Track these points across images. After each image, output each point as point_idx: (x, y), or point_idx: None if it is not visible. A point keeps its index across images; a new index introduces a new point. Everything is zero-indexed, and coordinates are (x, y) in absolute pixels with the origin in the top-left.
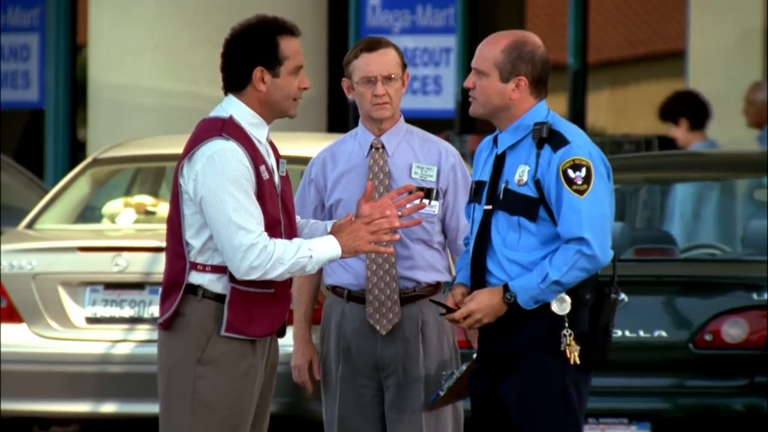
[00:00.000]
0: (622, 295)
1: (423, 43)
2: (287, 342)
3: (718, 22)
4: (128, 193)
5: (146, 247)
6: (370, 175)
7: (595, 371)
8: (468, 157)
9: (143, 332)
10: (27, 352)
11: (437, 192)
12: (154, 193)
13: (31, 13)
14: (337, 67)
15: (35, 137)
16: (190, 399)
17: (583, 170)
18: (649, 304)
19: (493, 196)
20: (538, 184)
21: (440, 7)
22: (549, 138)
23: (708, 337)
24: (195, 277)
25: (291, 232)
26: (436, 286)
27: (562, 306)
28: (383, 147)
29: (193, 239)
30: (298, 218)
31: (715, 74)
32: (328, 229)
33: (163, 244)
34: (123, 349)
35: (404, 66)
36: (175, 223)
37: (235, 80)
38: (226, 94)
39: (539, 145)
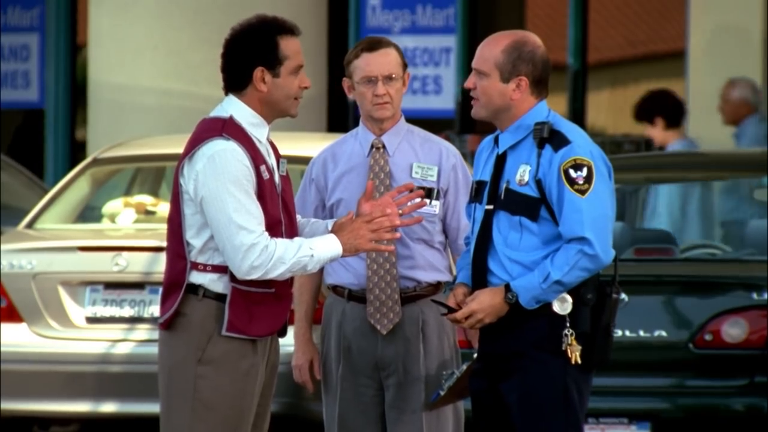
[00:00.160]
0: (623, 295)
1: (423, 43)
2: (288, 342)
3: (718, 22)
4: (128, 193)
5: (146, 247)
6: (371, 175)
7: (595, 371)
8: (468, 156)
9: (143, 332)
10: (27, 352)
11: (438, 192)
12: (154, 193)
13: (31, 13)
14: (337, 67)
15: (35, 137)
16: (190, 399)
17: (585, 170)
18: (649, 304)
19: (495, 196)
20: (539, 183)
21: (440, 7)
22: (550, 138)
23: (708, 337)
24: (196, 277)
25: (292, 232)
26: (437, 286)
27: (563, 306)
28: (384, 147)
29: (194, 239)
30: (298, 217)
31: (715, 74)
32: (329, 228)
33: (163, 244)
34: (123, 349)
35: (405, 66)
36: (175, 222)
37: (235, 80)
38: (226, 94)
39: (540, 145)
